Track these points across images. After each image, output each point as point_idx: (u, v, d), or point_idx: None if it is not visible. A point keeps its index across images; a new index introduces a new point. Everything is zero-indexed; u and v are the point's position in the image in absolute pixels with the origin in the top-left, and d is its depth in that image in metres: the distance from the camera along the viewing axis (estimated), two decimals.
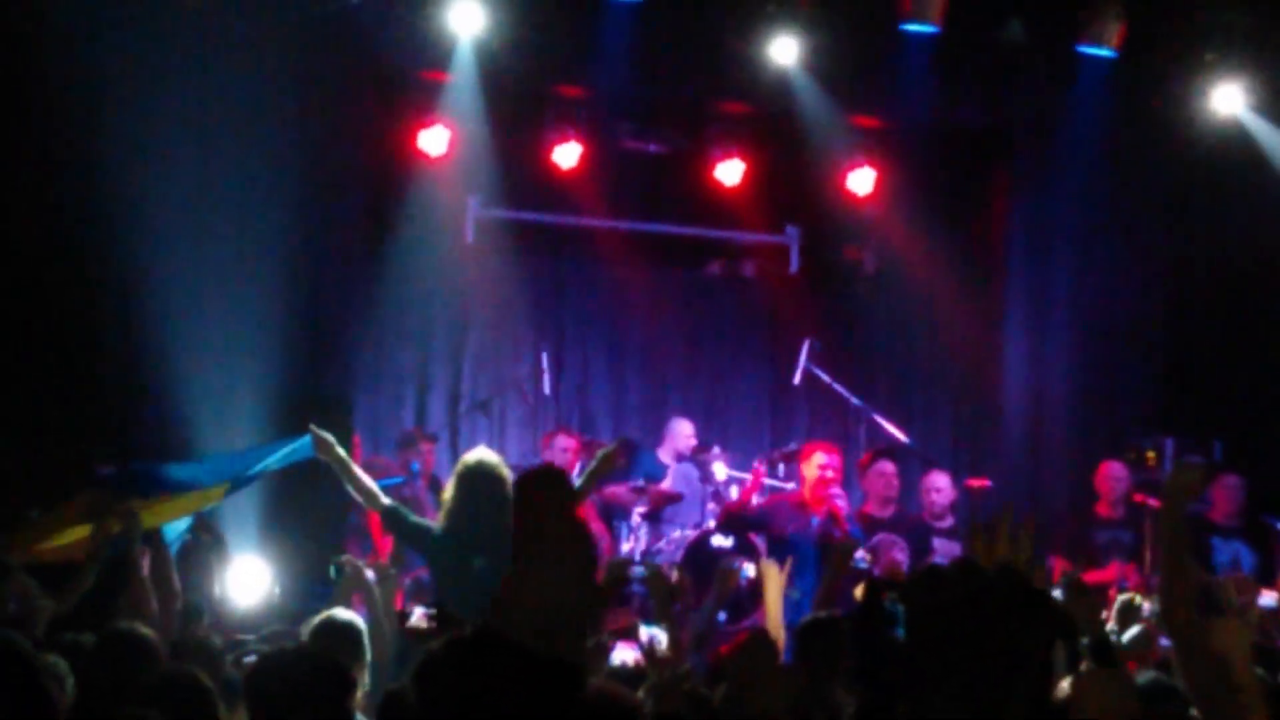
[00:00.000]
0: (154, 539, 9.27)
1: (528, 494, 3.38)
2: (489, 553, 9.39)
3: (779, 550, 13.05)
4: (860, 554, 12.46)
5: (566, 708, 3.15)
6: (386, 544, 11.96)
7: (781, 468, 14.96)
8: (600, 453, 10.41)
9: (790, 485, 14.58)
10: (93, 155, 13.04)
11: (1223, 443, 15.52)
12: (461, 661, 3.13)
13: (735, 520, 13.74)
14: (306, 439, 10.06)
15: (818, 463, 13.69)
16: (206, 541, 10.61)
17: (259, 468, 10.62)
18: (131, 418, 13.35)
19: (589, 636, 3.43)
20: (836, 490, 13.77)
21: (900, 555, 13.42)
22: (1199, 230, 16.32)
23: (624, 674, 7.79)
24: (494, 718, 3.06)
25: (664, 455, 15.40)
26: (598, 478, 10.42)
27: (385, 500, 9.86)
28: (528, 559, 3.35)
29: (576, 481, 10.34)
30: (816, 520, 13.49)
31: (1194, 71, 15.59)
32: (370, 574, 9.40)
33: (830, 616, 8.15)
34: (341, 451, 9.89)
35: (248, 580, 10.52)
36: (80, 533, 9.47)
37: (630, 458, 15.48)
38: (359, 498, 9.91)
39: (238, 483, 10.57)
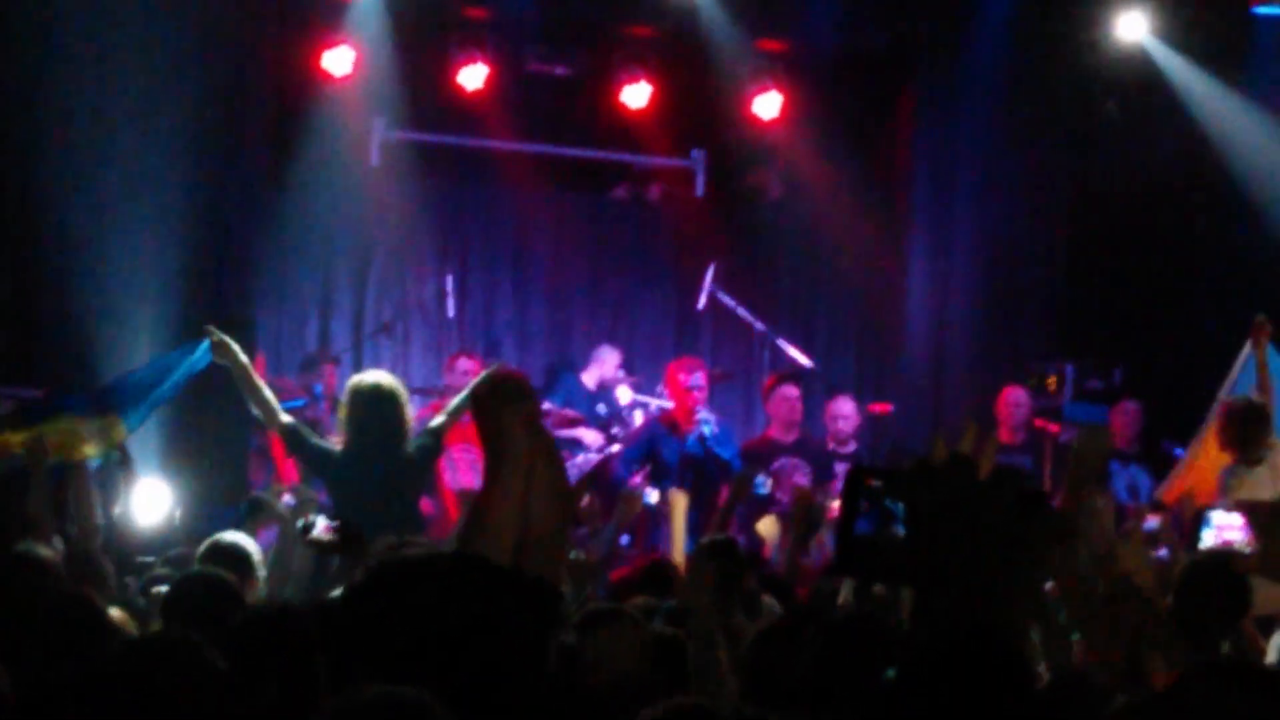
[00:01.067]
0: (76, 466, 9.27)
1: (487, 408, 3.33)
2: (384, 473, 9.44)
3: (655, 469, 13.17)
4: (761, 478, 12.55)
5: (546, 629, 3.10)
6: (289, 467, 11.91)
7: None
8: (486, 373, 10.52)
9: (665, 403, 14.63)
10: None
11: (1123, 369, 15.68)
12: (436, 577, 3.06)
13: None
14: (204, 345, 10.04)
15: (683, 383, 13.76)
16: (114, 460, 10.54)
17: (162, 391, 10.57)
18: (31, 338, 13.25)
19: (561, 555, 3.36)
20: (704, 411, 13.84)
21: (803, 479, 13.49)
22: (1102, 157, 16.43)
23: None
24: (472, 633, 3.00)
25: (587, 379, 15.43)
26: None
27: (285, 417, 9.86)
28: (494, 477, 3.30)
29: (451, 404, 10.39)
30: (691, 440, 13.57)
31: None
32: (288, 498, 9.41)
33: (728, 539, 8.21)
34: (243, 358, 9.88)
35: (150, 501, 10.47)
36: None
37: (553, 378, 15.55)
38: (257, 410, 9.90)
39: (139, 412, 10.52)
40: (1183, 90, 15.67)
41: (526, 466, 3.29)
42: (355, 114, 15.78)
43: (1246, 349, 12.04)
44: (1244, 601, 6.95)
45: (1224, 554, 7.79)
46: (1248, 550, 8.85)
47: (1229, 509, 9.85)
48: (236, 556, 7.34)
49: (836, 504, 9.60)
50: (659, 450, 13.61)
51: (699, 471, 13.27)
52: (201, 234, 13.90)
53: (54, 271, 13.01)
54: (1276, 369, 11.96)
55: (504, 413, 3.31)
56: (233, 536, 7.63)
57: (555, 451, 3.36)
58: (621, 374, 15.42)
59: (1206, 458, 11.72)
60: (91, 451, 10.06)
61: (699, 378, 13.89)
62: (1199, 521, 9.56)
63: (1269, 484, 10.80)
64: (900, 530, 3.16)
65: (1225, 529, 9.29)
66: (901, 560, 3.14)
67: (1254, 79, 15.58)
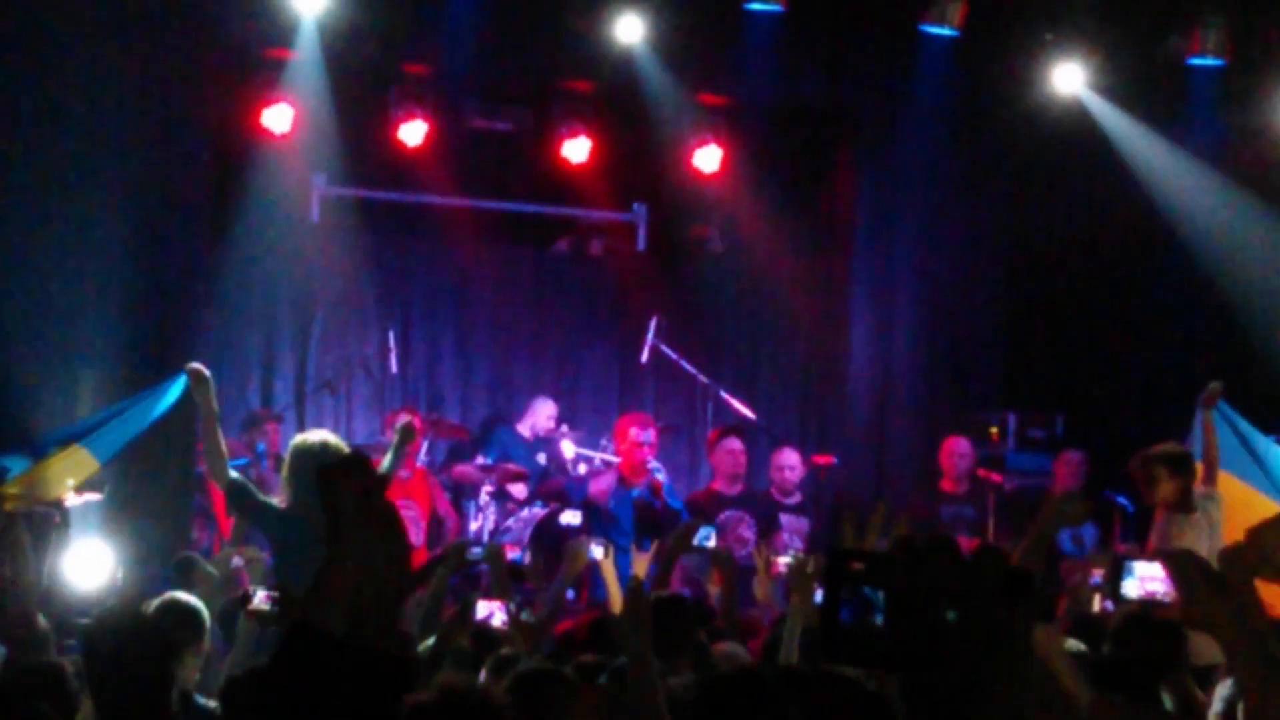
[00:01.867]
0: (9, 521, 9.18)
1: (331, 482, 3.36)
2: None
3: (600, 523, 13.16)
4: (705, 530, 12.53)
5: (391, 697, 3.14)
6: (229, 525, 11.85)
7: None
8: (398, 425, 10.54)
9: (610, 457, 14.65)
10: None
11: (1064, 418, 15.75)
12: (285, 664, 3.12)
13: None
14: (180, 380, 10.03)
15: (633, 437, 13.80)
16: (46, 517, 10.45)
17: (134, 425, 10.54)
18: None
19: (398, 621, 3.37)
20: (654, 463, 13.88)
21: (748, 532, 13.53)
22: (1040, 208, 16.53)
23: (488, 639, 7.80)
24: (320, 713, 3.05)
25: (523, 430, 15.43)
26: (401, 451, 10.48)
27: (233, 474, 9.82)
28: (334, 548, 3.33)
29: (390, 461, 10.39)
30: (636, 492, 13.59)
31: (1035, 51, 15.80)
32: (238, 560, 9.36)
33: (676, 594, 8.20)
34: (214, 403, 9.86)
35: (91, 562, 10.39)
36: None
37: (488, 431, 15.53)
38: (210, 460, 9.84)
39: (109, 443, 10.48)
40: (1119, 142, 15.79)
41: (365, 538, 3.33)
42: (295, 171, 15.73)
43: (1199, 413, 12.18)
44: (1179, 652, 6.96)
45: (1151, 605, 7.79)
46: (1168, 600, 8.88)
47: (1149, 559, 9.87)
48: (189, 616, 7.28)
49: (783, 560, 9.64)
50: (605, 504, 13.61)
51: (653, 524, 13.27)
52: (142, 293, 13.87)
53: None
54: (1225, 426, 12.09)
55: (342, 487, 3.35)
56: (185, 596, 7.57)
57: (395, 523, 3.39)
58: (554, 424, 15.43)
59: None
60: (67, 487, 10.01)
61: (650, 434, 13.92)
62: (1119, 571, 9.57)
63: (1205, 532, 10.88)
64: (879, 619, 3.13)
65: (1148, 579, 9.30)
66: (884, 648, 3.12)
67: (1189, 130, 15.72)
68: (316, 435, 9.89)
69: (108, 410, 10.92)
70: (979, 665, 3.02)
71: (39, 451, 10.35)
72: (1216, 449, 11.80)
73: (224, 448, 9.83)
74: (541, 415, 15.48)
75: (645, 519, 13.49)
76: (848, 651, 3.19)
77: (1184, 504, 11.14)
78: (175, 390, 10.24)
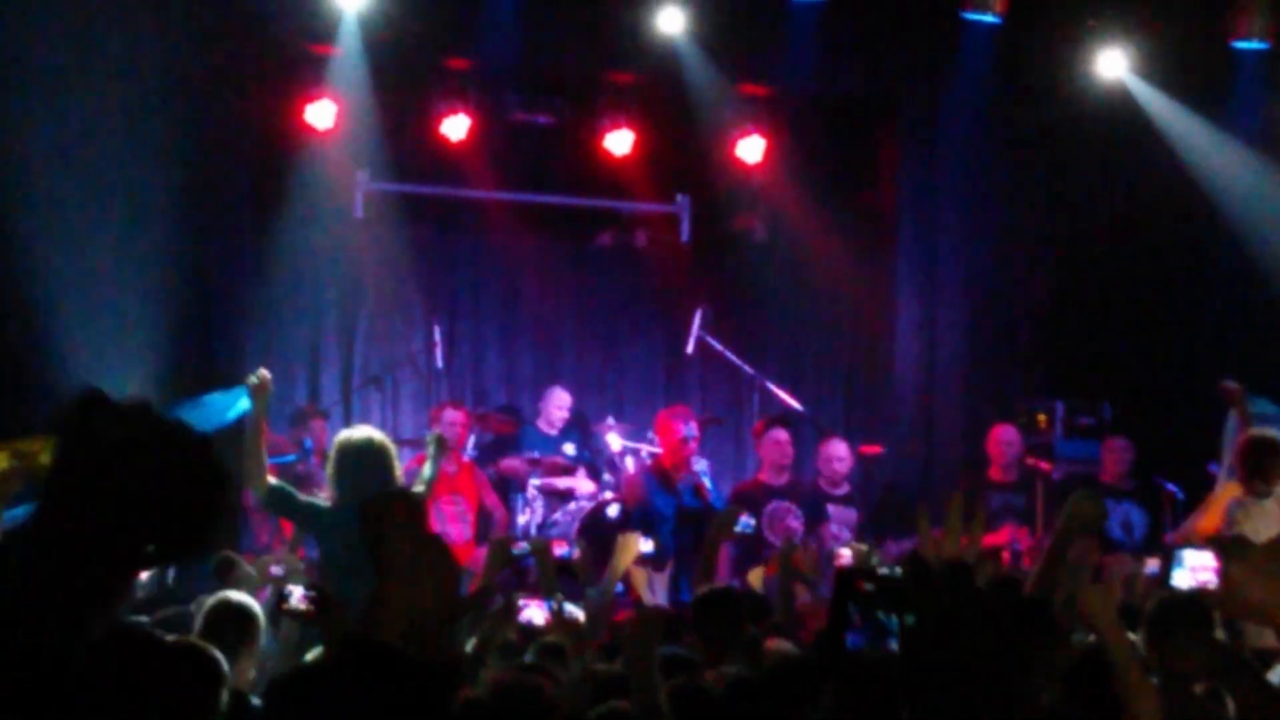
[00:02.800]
0: None
1: (373, 521, 3.36)
2: None
3: (644, 519, 13.13)
4: (745, 519, 12.50)
5: (444, 706, 3.14)
6: (290, 524, 11.82)
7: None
8: (429, 437, 10.53)
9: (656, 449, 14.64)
10: None
11: (1111, 404, 15.69)
12: (338, 670, 3.12)
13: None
14: (241, 391, 10.02)
15: (676, 433, 13.78)
16: None
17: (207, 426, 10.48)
18: (20, 399, 13.21)
19: (449, 649, 3.36)
20: (702, 463, 13.88)
21: (795, 523, 13.51)
22: (1085, 194, 16.47)
23: (533, 632, 7.80)
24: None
25: (542, 425, 15.41)
26: (437, 461, 10.48)
27: (271, 480, 9.72)
28: (382, 583, 3.34)
29: (430, 470, 10.38)
30: (682, 486, 13.57)
31: (1077, 37, 15.76)
32: (276, 569, 9.35)
33: (726, 588, 8.19)
34: (265, 411, 9.83)
35: None
36: None
37: (516, 432, 15.52)
38: (247, 467, 9.73)
39: None
40: (1164, 126, 15.72)
41: (411, 574, 3.32)
42: (339, 167, 15.76)
43: (1230, 418, 12.21)
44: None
45: (1195, 594, 7.72)
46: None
47: (1199, 547, 9.82)
48: (243, 617, 7.27)
49: (845, 550, 9.61)
50: (650, 500, 13.59)
51: (697, 523, 13.25)
52: (189, 291, 13.95)
53: (43, 334, 12.98)
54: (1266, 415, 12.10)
55: (385, 525, 3.35)
56: (238, 596, 7.55)
57: (439, 555, 3.39)
58: (567, 412, 15.40)
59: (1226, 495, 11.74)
60: None
61: (693, 427, 13.90)
62: (1170, 561, 9.52)
63: (1276, 518, 10.81)
64: (893, 645, 3.10)
65: (1198, 569, 9.25)
66: (896, 675, 3.10)
67: (1235, 113, 15.64)
68: (361, 431, 9.88)
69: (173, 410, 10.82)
70: (991, 692, 3.00)
71: None
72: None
73: (264, 459, 9.74)
74: (552, 406, 15.45)
75: (689, 521, 13.46)
76: (856, 676, 3.16)
77: (1261, 489, 11.09)
78: (240, 404, 10.16)
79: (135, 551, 2.97)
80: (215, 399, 10.59)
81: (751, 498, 13.63)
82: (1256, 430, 11.56)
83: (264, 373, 9.79)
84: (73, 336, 13.03)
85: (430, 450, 10.44)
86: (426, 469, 10.35)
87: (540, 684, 4.70)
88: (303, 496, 9.83)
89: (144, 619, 8.75)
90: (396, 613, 3.24)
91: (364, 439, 9.65)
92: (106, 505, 3.00)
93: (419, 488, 10.00)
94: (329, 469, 9.75)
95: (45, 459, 9.07)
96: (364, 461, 9.51)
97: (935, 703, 2.99)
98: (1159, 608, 6.88)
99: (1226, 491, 11.65)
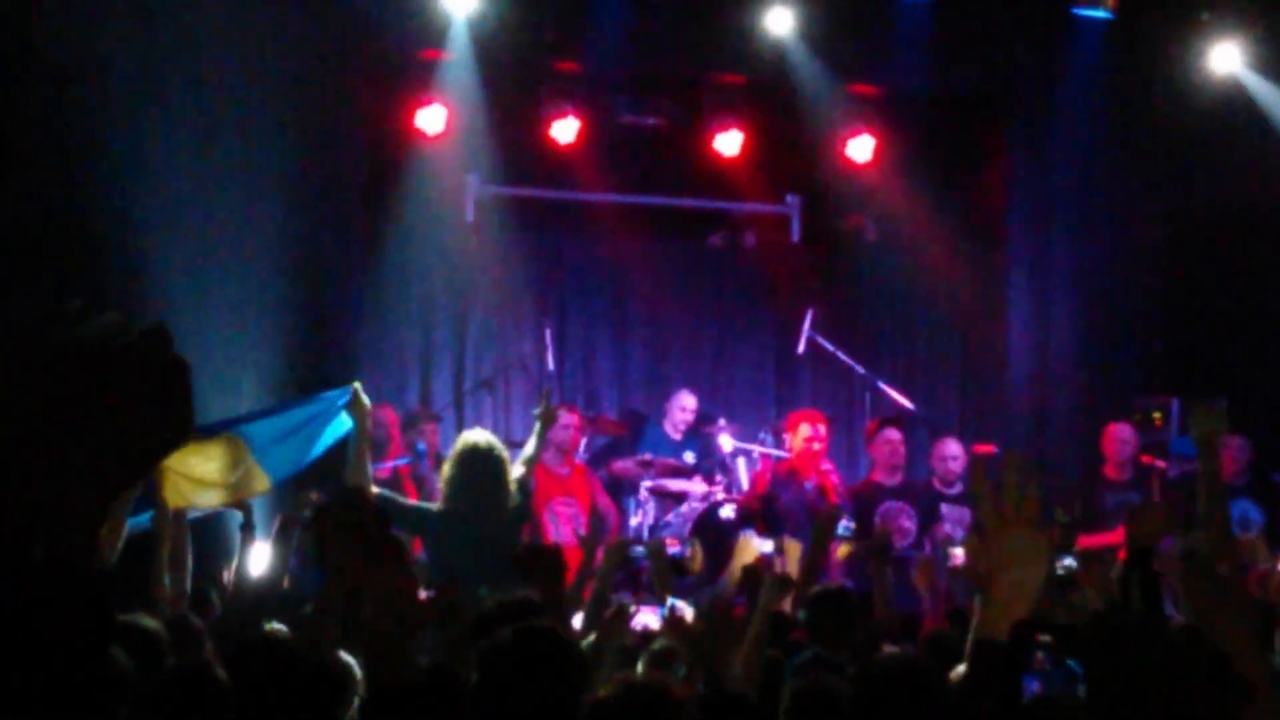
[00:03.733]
0: (177, 515, 9.19)
1: (322, 527, 3.36)
2: (485, 533, 9.44)
3: (773, 519, 13.11)
4: (845, 522, 12.47)
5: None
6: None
7: (781, 437, 15.02)
8: (536, 411, 10.50)
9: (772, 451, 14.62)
10: (96, 142, 13.05)
11: (1228, 401, 15.52)
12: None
13: (754, 513, 13.73)
14: (332, 397, 10.10)
15: (804, 435, 13.76)
16: (236, 520, 10.46)
17: (310, 451, 10.54)
18: None
19: (411, 650, 3.34)
20: (825, 463, 13.84)
21: (909, 523, 13.47)
22: (1198, 190, 16.32)
23: (647, 638, 7.80)
24: None
25: (668, 428, 15.42)
26: (542, 435, 10.44)
27: (375, 489, 9.83)
28: (327, 580, 3.34)
29: (533, 446, 10.38)
30: (809, 487, 13.54)
31: (1190, 31, 15.63)
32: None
33: (839, 587, 8.17)
34: (368, 423, 9.91)
35: (256, 565, 10.46)
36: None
37: (636, 432, 15.51)
38: (354, 477, 9.83)
39: (282, 466, 10.49)
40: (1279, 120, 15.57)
41: (360, 579, 3.31)
42: (449, 171, 15.86)
43: None
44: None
45: None
46: None
47: None
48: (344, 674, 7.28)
49: (959, 552, 9.53)
50: (778, 496, 13.55)
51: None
52: (301, 296, 14.05)
53: None
54: None
55: (324, 523, 3.34)
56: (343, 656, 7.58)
57: (396, 554, 3.38)
58: (692, 415, 15.38)
59: None
60: (221, 500, 10.02)
61: (822, 429, 13.86)
62: None
63: None
64: (1081, 691, 3.06)
65: None
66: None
67: None
68: (476, 436, 9.93)
69: (277, 415, 10.83)
70: None
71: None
72: None
73: (368, 471, 9.83)
74: (675, 409, 15.44)
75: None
76: None
77: None
78: (344, 420, 10.24)
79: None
80: (315, 411, 10.59)
81: (865, 498, 13.63)
82: None
83: (357, 387, 9.88)
84: (187, 339, 13.06)
85: (536, 426, 10.42)
86: (529, 447, 10.35)
87: (668, 684, 4.71)
88: (408, 501, 9.90)
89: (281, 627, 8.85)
90: (334, 617, 3.25)
91: (477, 444, 9.71)
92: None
93: (519, 469, 10.01)
94: (444, 471, 9.81)
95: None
96: (481, 468, 9.59)
97: None
98: None
99: None
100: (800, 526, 12.94)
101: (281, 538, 8.82)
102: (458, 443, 9.92)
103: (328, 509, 3.37)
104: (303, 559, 10.93)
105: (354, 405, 9.90)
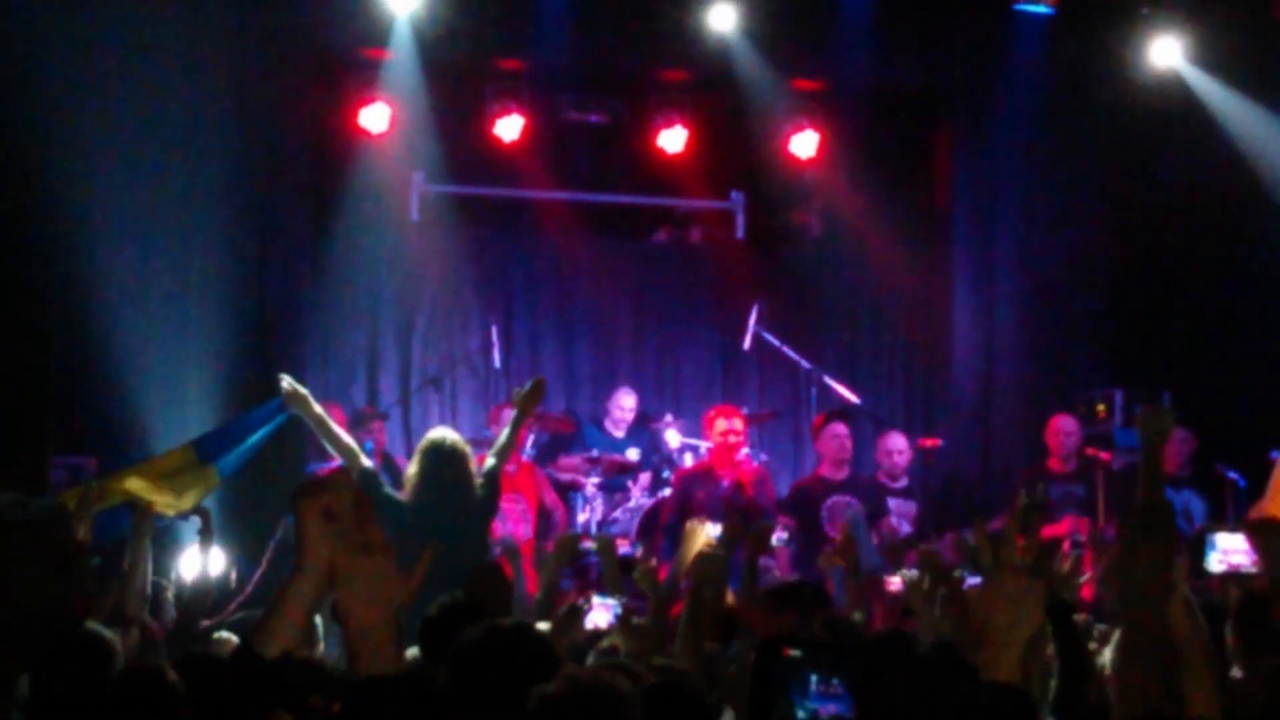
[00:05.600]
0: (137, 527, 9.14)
1: (295, 502, 3.33)
2: (451, 527, 9.46)
3: (685, 516, 13.08)
4: (778, 533, 12.52)
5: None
6: None
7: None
8: (516, 392, 10.43)
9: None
10: (31, 143, 13.01)
11: (1171, 393, 15.62)
12: None
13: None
14: (274, 404, 10.10)
15: (719, 430, 13.75)
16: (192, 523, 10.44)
17: (250, 446, 10.54)
18: (80, 406, 13.33)
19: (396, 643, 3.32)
20: (744, 453, 13.85)
21: None
22: (1141, 184, 16.42)
23: (599, 637, 7.81)
24: None
25: (610, 426, 15.43)
26: (523, 419, 10.38)
27: (366, 462, 9.88)
28: (298, 567, 3.33)
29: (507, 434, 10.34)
30: (725, 484, 13.54)
31: (1130, 25, 15.72)
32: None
33: (796, 582, 8.21)
34: (317, 407, 9.90)
35: (206, 564, 10.42)
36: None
37: (577, 431, 15.52)
38: (338, 454, 9.87)
39: (225, 467, 10.49)
40: (1219, 114, 15.66)
41: (327, 557, 3.30)
42: (394, 169, 15.85)
43: None
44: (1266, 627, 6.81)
45: (1235, 578, 7.68)
46: (1254, 572, 8.77)
47: (1231, 530, 9.76)
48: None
49: (895, 580, 9.54)
50: (694, 494, 13.51)
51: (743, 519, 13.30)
52: (245, 295, 14.04)
53: (103, 339, 13.07)
54: None
55: (301, 507, 3.32)
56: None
57: (380, 543, 3.35)
58: (632, 413, 15.39)
59: None
60: (186, 504, 10.04)
61: (736, 422, 13.84)
62: (1201, 546, 9.46)
63: None
64: (838, 708, 3.08)
65: (1231, 552, 9.20)
66: None
67: None
68: (442, 433, 9.96)
69: (237, 430, 10.81)
70: None
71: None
72: None
73: (348, 441, 9.89)
74: (615, 407, 15.46)
75: (729, 513, 13.43)
76: None
77: None
78: (275, 419, 10.25)
79: None
80: (252, 418, 10.59)
81: (811, 493, 13.64)
82: None
83: (285, 379, 9.88)
84: (132, 341, 13.13)
85: (514, 414, 10.31)
86: (503, 436, 10.32)
87: (616, 680, 4.72)
88: (388, 489, 9.89)
89: (208, 623, 8.85)
90: (304, 602, 3.24)
91: (443, 440, 9.76)
92: None
93: (490, 459, 10.00)
94: (411, 466, 9.83)
95: (125, 484, 9.15)
96: (441, 463, 9.62)
97: None
98: (1245, 602, 6.80)
99: None
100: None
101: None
102: (423, 439, 9.95)
103: (309, 492, 3.33)
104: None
105: (294, 400, 9.89)
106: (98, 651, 6.36)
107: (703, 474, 13.71)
